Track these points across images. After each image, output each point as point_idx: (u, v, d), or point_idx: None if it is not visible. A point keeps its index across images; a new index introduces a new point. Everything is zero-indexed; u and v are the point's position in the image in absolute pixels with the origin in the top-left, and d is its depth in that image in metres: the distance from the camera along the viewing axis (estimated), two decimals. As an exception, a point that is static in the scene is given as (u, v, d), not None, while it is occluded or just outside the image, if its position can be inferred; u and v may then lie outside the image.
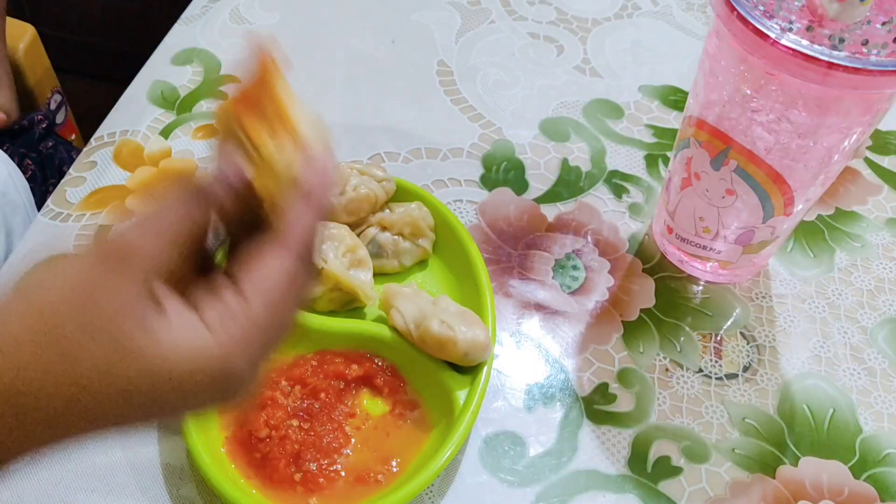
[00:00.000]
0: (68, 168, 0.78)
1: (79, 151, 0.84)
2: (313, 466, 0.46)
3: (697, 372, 0.53)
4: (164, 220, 0.29)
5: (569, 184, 0.63)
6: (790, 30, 0.41)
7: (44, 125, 0.77)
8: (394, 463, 0.47)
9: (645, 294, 0.57)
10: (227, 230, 0.32)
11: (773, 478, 0.49)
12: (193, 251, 0.30)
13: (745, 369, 0.54)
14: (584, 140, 0.67)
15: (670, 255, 0.59)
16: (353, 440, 0.47)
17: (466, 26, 0.76)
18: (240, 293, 0.29)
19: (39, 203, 0.73)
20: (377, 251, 0.55)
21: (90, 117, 0.87)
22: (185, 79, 0.69)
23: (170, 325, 0.27)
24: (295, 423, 0.47)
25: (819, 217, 0.62)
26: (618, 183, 0.64)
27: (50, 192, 0.74)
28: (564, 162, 0.65)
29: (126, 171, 0.62)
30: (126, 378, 0.26)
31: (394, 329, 0.50)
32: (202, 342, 0.27)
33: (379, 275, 0.55)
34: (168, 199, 0.30)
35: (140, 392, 0.27)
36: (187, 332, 0.27)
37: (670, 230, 0.57)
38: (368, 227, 0.56)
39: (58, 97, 0.89)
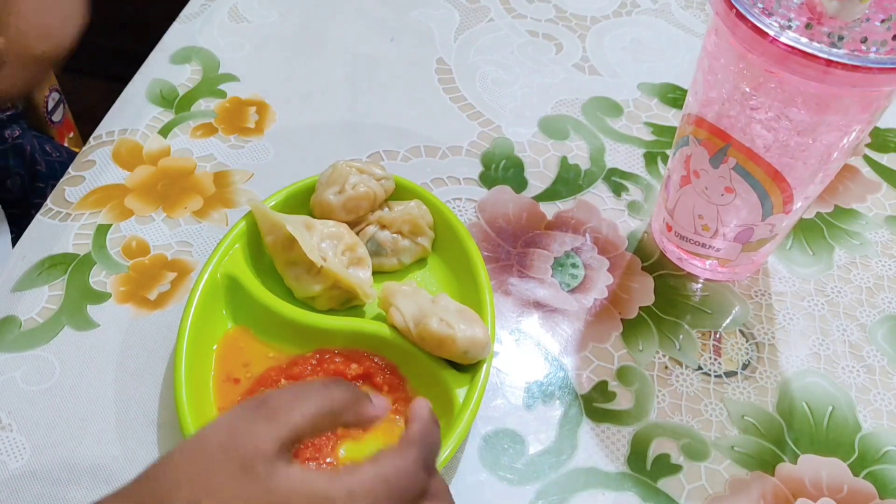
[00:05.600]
0: (41, 157, 0.78)
1: (52, 141, 0.84)
2: (312, 465, 0.46)
3: (697, 370, 0.53)
4: (311, 394, 0.34)
5: (568, 182, 0.63)
6: (789, 27, 0.41)
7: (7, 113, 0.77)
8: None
9: (644, 292, 0.57)
10: None
11: (773, 475, 0.49)
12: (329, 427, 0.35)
13: (745, 367, 0.54)
14: (584, 138, 0.67)
15: (669, 253, 0.59)
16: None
17: (465, 24, 0.76)
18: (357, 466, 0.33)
19: None
20: (376, 249, 0.55)
21: (88, 116, 0.87)
22: (184, 77, 0.69)
23: (289, 476, 0.31)
24: (294, 421, 0.47)
25: (818, 215, 0.63)
26: (617, 181, 0.64)
27: (10, 179, 0.74)
28: (563, 160, 0.65)
29: (125, 171, 0.62)
30: (244, 499, 0.31)
31: (393, 327, 0.50)
32: (315, 483, 0.32)
33: (378, 273, 0.55)
34: (321, 381, 0.35)
35: None
36: (304, 483, 0.31)
37: (669, 228, 0.57)
38: (368, 225, 0.56)
39: (56, 95, 0.89)
